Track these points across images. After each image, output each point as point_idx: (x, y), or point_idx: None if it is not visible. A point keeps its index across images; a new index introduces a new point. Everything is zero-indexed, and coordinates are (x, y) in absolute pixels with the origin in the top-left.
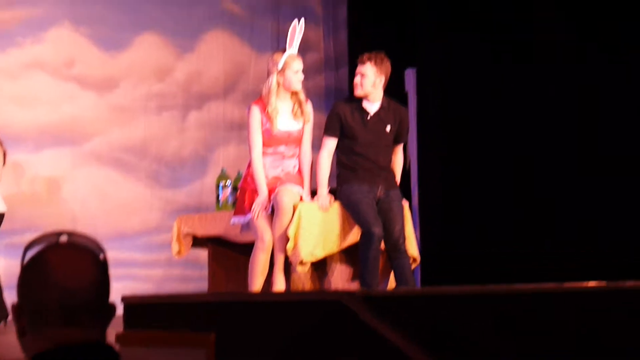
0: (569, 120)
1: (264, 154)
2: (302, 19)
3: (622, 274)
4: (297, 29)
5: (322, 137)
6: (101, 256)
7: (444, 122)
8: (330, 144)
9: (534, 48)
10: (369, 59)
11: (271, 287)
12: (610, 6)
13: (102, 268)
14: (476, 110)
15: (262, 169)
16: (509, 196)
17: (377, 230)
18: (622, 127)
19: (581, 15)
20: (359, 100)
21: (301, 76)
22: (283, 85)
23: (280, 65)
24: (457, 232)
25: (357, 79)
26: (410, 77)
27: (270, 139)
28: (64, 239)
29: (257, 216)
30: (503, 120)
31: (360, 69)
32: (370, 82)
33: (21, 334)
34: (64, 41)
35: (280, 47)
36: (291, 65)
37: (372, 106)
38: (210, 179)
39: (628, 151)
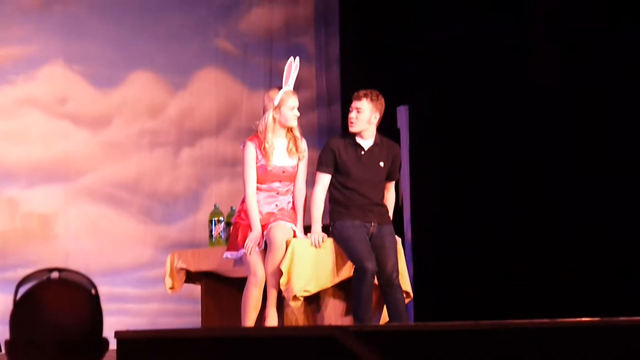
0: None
1: (258, 189)
2: (297, 57)
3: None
4: (292, 66)
5: (316, 172)
6: (93, 291)
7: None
8: (324, 180)
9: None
10: (365, 95)
11: (264, 322)
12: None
13: (94, 303)
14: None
15: (256, 205)
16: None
17: (370, 265)
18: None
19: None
20: (352, 136)
21: (297, 113)
22: (279, 122)
23: (276, 102)
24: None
25: (352, 115)
26: (402, 114)
27: (265, 175)
28: (55, 275)
29: (250, 252)
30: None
31: (356, 104)
32: (366, 117)
33: None
34: (57, 78)
35: (273, 84)
36: (287, 102)
37: (366, 142)
38: (203, 215)
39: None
